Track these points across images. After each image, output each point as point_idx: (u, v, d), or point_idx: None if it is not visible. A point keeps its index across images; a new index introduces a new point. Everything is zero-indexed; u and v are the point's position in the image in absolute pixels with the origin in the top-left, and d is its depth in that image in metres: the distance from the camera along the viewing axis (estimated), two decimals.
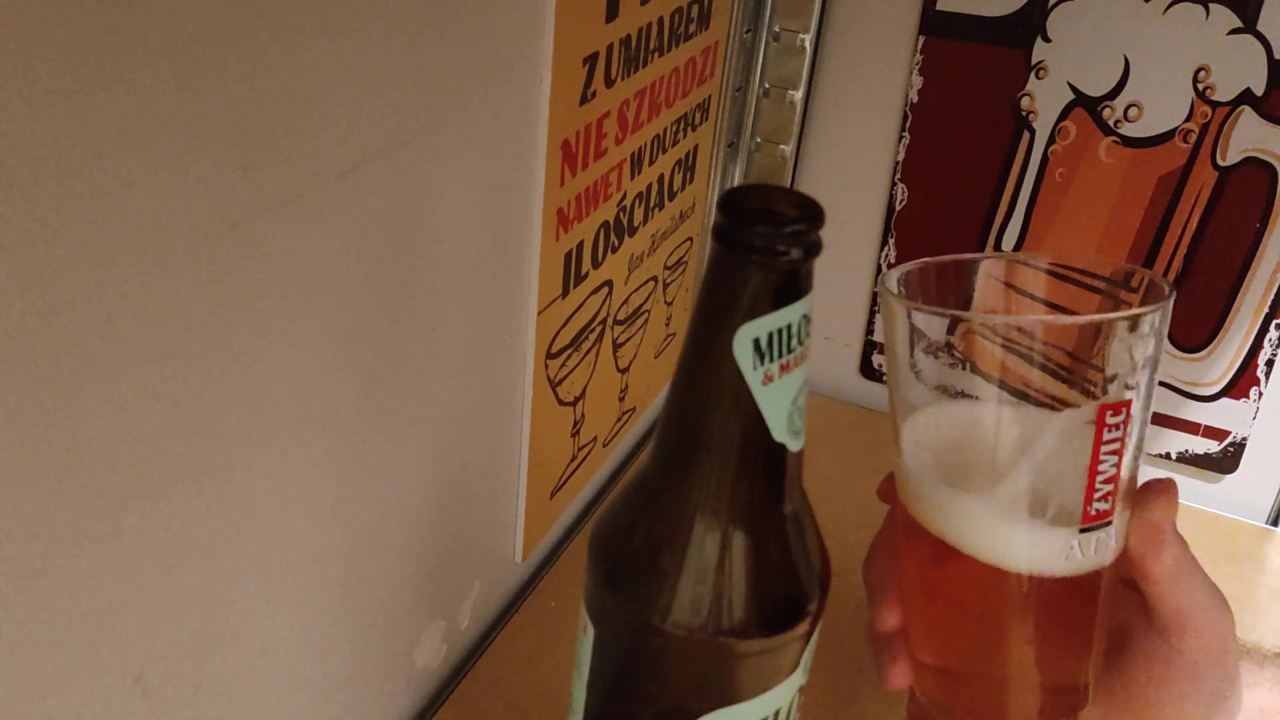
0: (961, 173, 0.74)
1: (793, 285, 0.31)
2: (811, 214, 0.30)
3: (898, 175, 0.76)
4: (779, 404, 0.32)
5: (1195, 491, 0.77)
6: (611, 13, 0.51)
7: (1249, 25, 0.63)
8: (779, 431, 0.32)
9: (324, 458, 0.41)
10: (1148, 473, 0.84)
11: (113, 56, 0.27)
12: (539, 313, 0.53)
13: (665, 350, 0.76)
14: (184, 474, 0.34)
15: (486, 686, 0.57)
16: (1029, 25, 0.68)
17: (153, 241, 0.30)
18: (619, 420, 0.70)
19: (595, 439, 0.67)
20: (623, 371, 0.68)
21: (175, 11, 0.28)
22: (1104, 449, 0.37)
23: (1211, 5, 0.64)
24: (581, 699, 0.38)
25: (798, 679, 0.36)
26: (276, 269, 0.35)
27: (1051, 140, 0.70)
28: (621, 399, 0.69)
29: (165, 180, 0.30)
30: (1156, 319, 0.37)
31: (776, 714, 0.36)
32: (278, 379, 0.37)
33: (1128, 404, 0.37)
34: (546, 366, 0.56)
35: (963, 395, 0.39)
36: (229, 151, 0.32)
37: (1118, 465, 0.38)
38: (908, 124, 0.74)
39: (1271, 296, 0.69)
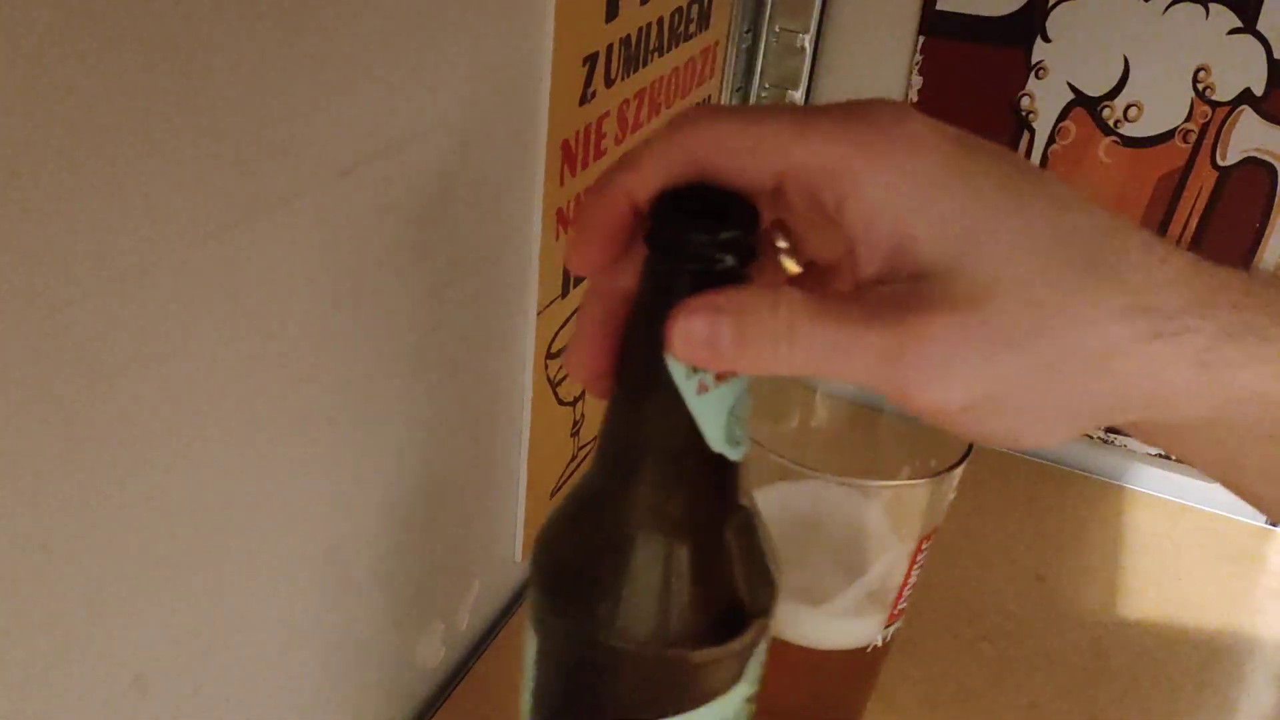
0: None
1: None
2: (745, 218, 0.29)
3: None
4: (715, 414, 0.31)
5: (1195, 491, 0.76)
6: (611, 13, 0.51)
7: (1249, 25, 0.63)
8: (716, 441, 0.31)
9: (323, 457, 0.41)
10: (1151, 473, 0.84)
11: (111, 57, 0.27)
12: (539, 313, 0.53)
13: None
14: (183, 474, 0.34)
15: (486, 687, 0.57)
16: (1029, 25, 0.68)
17: (151, 241, 0.30)
18: None
19: (595, 439, 0.67)
20: None
21: (175, 12, 0.28)
22: (915, 567, 0.47)
23: (1211, 5, 0.64)
24: (528, 706, 0.38)
25: (744, 689, 0.36)
26: (275, 269, 0.35)
27: (1051, 140, 0.70)
28: None
29: (164, 180, 0.30)
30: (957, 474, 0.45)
31: None
32: (277, 379, 0.37)
33: (937, 528, 0.47)
34: (546, 366, 0.56)
35: (792, 481, 0.45)
36: (227, 151, 0.31)
37: (920, 573, 0.47)
38: None
39: None
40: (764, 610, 0.35)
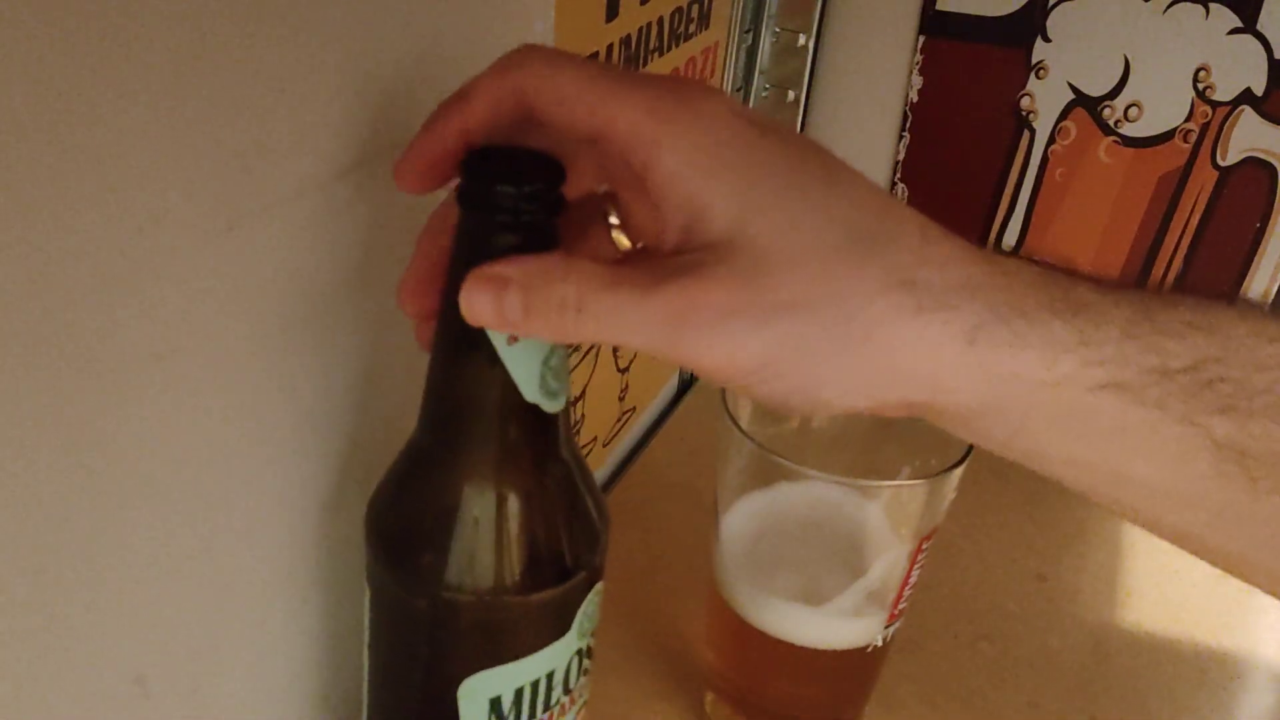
0: (961, 173, 0.74)
1: (523, 246, 0.30)
2: (550, 173, 0.30)
3: (898, 175, 0.76)
4: (527, 365, 0.32)
5: None
6: (611, 13, 0.51)
7: (1249, 25, 0.63)
8: (530, 392, 0.32)
9: (323, 457, 0.41)
10: None
11: (111, 56, 0.27)
12: None
13: None
14: (184, 474, 0.34)
15: None
16: (1029, 25, 0.68)
17: (153, 241, 0.30)
18: (619, 420, 0.70)
19: (595, 439, 0.67)
20: (623, 371, 0.68)
21: (175, 12, 0.28)
22: (915, 568, 0.47)
23: (1211, 5, 0.64)
24: (366, 662, 0.39)
25: (572, 641, 0.36)
26: (276, 269, 0.35)
27: (1051, 140, 0.70)
28: (621, 399, 0.69)
29: (165, 180, 0.30)
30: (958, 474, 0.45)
31: (550, 675, 0.36)
32: (277, 378, 0.37)
33: (937, 528, 0.47)
34: None
35: (793, 481, 0.45)
36: (228, 151, 0.31)
37: (920, 573, 0.47)
38: (908, 124, 0.74)
39: (1271, 296, 0.69)
40: (587, 561, 0.36)
